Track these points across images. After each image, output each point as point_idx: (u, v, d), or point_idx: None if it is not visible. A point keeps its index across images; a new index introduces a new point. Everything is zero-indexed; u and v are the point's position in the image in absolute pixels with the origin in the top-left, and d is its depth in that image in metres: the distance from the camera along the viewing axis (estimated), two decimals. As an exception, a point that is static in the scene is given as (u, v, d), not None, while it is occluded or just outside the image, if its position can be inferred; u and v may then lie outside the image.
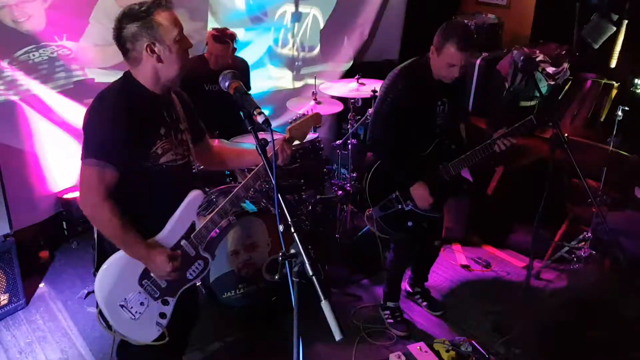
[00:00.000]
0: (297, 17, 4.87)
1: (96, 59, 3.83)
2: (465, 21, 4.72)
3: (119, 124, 1.87)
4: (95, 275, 2.07)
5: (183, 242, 2.10)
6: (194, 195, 2.08)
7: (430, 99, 2.82)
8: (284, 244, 1.56)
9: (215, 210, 2.16)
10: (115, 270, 2.04)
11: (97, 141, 1.89)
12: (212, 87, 3.69)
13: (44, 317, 3.34)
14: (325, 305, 1.40)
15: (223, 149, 2.46)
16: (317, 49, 5.11)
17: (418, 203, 2.86)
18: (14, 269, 3.27)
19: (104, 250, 2.07)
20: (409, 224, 2.96)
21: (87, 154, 1.89)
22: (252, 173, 2.17)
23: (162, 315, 2.14)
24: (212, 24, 4.29)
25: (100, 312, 2.09)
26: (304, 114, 2.34)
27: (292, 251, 1.52)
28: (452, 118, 2.93)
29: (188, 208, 2.07)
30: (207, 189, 3.31)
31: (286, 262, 1.52)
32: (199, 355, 3.01)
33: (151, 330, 2.14)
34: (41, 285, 3.64)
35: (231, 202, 2.17)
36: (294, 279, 1.52)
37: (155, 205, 2.03)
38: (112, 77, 2.07)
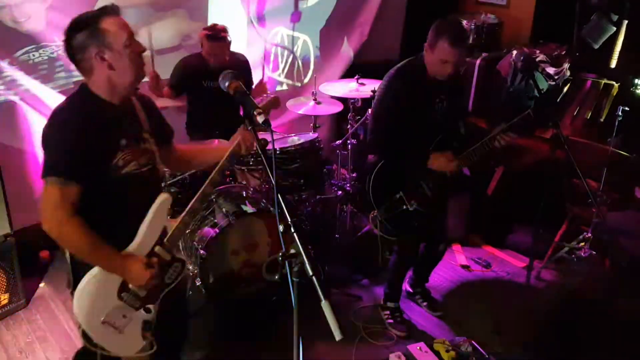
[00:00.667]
0: (291, 38, 4.90)
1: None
2: (464, 21, 4.73)
3: (76, 139, 1.83)
4: (72, 295, 1.99)
5: (157, 248, 2.01)
6: (162, 200, 1.99)
7: (426, 97, 2.82)
8: (284, 244, 1.56)
9: (185, 211, 2.08)
10: (92, 289, 1.96)
11: (56, 158, 1.84)
12: (210, 84, 3.67)
13: (44, 316, 3.33)
14: (325, 306, 1.40)
15: (186, 149, 2.39)
16: (313, 60, 5.13)
17: (446, 168, 2.82)
18: (14, 268, 3.27)
19: (79, 271, 1.98)
20: (414, 224, 2.96)
21: (47, 172, 1.83)
22: (217, 168, 2.10)
23: (146, 323, 2.06)
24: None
25: (84, 332, 2.01)
26: (262, 99, 2.23)
27: (292, 251, 1.52)
28: (451, 116, 2.93)
29: (157, 213, 1.98)
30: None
31: (286, 262, 1.52)
32: (199, 355, 3.01)
33: (137, 341, 2.07)
34: (41, 285, 3.64)
35: (199, 200, 2.09)
36: (293, 279, 1.52)
37: (123, 215, 1.95)
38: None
